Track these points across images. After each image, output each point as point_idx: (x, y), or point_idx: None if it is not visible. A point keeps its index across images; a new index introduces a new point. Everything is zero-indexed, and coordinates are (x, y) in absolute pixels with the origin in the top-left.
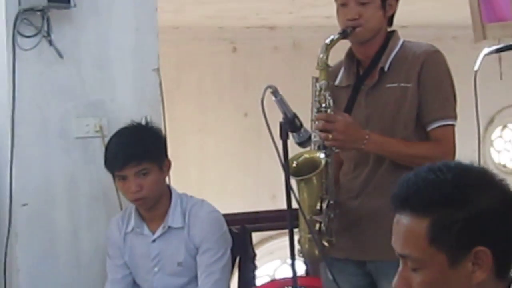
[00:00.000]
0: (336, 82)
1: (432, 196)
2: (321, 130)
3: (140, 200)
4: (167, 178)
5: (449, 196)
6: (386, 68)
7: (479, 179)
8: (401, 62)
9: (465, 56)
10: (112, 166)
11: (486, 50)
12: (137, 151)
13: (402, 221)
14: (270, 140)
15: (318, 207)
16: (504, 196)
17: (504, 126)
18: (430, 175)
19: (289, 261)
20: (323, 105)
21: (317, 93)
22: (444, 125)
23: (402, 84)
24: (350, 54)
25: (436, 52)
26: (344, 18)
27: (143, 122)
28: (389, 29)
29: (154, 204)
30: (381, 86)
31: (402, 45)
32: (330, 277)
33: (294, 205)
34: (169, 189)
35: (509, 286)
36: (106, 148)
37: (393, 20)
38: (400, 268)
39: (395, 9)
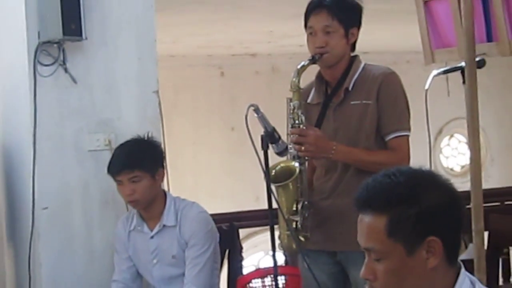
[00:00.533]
0: (308, 100)
1: (388, 196)
2: (295, 143)
3: (133, 202)
4: (166, 184)
5: (402, 195)
6: (350, 88)
7: (427, 180)
8: (362, 83)
9: (417, 77)
10: (111, 172)
11: (435, 72)
12: (130, 161)
13: (365, 219)
14: (253, 150)
15: (294, 208)
16: (450, 193)
17: (451, 136)
18: (385, 179)
19: (271, 253)
20: (296, 121)
21: (291, 111)
22: (399, 136)
23: (364, 101)
24: (319, 76)
25: (392, 73)
26: (313, 46)
27: (145, 137)
28: (352, 54)
29: (148, 206)
30: (346, 103)
31: (363, 68)
32: (306, 266)
33: (274, 205)
34: (164, 193)
35: (459, 272)
36: (110, 159)
37: (355, 46)
38: (366, 260)
39: (357, 37)
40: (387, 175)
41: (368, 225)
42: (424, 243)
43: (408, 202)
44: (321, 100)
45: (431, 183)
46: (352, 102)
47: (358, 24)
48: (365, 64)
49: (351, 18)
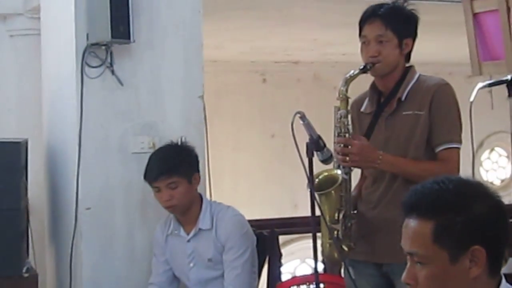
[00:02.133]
0: (362, 109)
1: (435, 202)
2: (339, 153)
3: (171, 207)
4: (208, 189)
5: (450, 202)
6: (403, 98)
7: (476, 189)
8: (416, 93)
9: (459, 89)
10: (148, 178)
11: (481, 84)
12: (167, 167)
13: (411, 224)
14: (292, 158)
15: (336, 217)
16: (497, 204)
17: (492, 149)
18: (434, 186)
19: (307, 260)
20: (343, 130)
21: (338, 120)
22: (450, 148)
23: (416, 112)
24: (373, 86)
25: (446, 85)
26: (366, 55)
27: (178, 142)
28: (407, 65)
29: (185, 211)
30: (398, 113)
31: (418, 78)
32: (353, 276)
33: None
34: (200, 197)
35: (500, 283)
36: (147, 165)
37: (410, 56)
38: (408, 265)
39: (411, 47)
40: (436, 182)
41: (414, 230)
42: (468, 252)
43: (456, 210)
44: (373, 110)
45: (479, 193)
46: (404, 113)
47: (413, 35)
48: (419, 75)
49: (405, 28)
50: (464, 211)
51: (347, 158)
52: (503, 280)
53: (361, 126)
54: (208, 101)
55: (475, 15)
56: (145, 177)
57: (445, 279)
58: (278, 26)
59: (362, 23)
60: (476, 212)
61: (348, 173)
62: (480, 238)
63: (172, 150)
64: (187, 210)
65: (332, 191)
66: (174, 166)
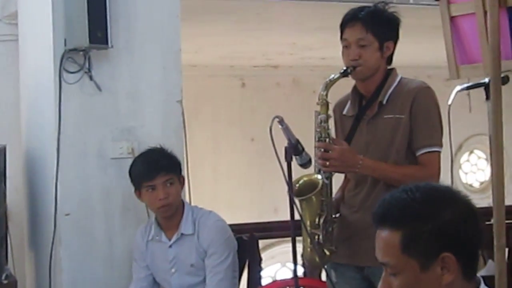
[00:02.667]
0: (344, 112)
1: (402, 213)
2: (319, 158)
3: (165, 206)
4: (187, 193)
5: (416, 212)
6: (384, 102)
7: (444, 196)
8: (397, 97)
9: (437, 92)
10: (142, 177)
11: (459, 87)
12: (166, 164)
13: (381, 234)
14: (273, 162)
15: (316, 222)
16: (466, 209)
17: (471, 152)
18: (402, 195)
19: (288, 264)
20: (323, 134)
21: (318, 125)
22: (430, 152)
23: (397, 116)
24: (355, 89)
25: (427, 88)
26: (347, 58)
27: (161, 146)
28: (389, 67)
29: (173, 213)
30: (379, 117)
31: (399, 81)
32: (334, 279)
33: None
34: (182, 202)
35: (478, 286)
36: (133, 167)
37: (392, 59)
38: (383, 275)
39: (393, 50)
40: (404, 191)
41: (384, 241)
42: (438, 259)
43: (422, 219)
44: (355, 113)
45: (447, 199)
46: (385, 116)
47: (394, 38)
48: (401, 78)
49: (386, 31)
50: (431, 220)
51: (328, 163)
52: (482, 284)
53: (343, 129)
54: (187, 105)
55: (452, 18)
56: (138, 177)
57: (418, 287)
58: (257, 31)
59: (343, 26)
60: (443, 219)
61: (328, 177)
62: (449, 245)
63: (163, 151)
64: (174, 213)
65: (313, 196)
66: (171, 164)
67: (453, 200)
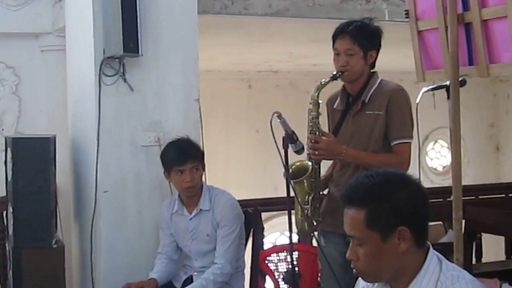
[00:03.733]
0: (335, 106)
1: (365, 194)
2: (310, 148)
3: (191, 188)
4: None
5: (377, 193)
6: (366, 100)
7: (399, 180)
8: (376, 96)
9: (408, 92)
10: (174, 162)
11: (425, 89)
12: (194, 153)
13: (348, 212)
14: (273, 149)
15: (306, 200)
16: (417, 190)
17: (435, 141)
18: (365, 180)
19: (286, 232)
20: (314, 129)
21: (310, 121)
22: (402, 142)
23: (376, 112)
24: (343, 88)
25: (401, 90)
26: (337, 64)
27: (187, 137)
28: (372, 71)
29: (196, 193)
30: (362, 113)
31: (379, 83)
32: (323, 244)
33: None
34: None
35: (428, 251)
36: (165, 152)
37: (374, 64)
38: (350, 245)
39: (375, 58)
40: (366, 176)
41: (351, 217)
42: (395, 232)
43: (382, 199)
44: (343, 108)
45: (401, 183)
46: (367, 112)
47: (377, 47)
48: (381, 80)
49: (370, 42)
50: (388, 200)
51: (316, 152)
52: (431, 248)
53: (333, 120)
54: (203, 103)
55: (419, 32)
56: (170, 161)
57: (379, 255)
58: (260, 42)
59: (335, 37)
60: (399, 199)
61: (317, 163)
62: (404, 220)
63: (190, 141)
64: (197, 192)
65: (304, 179)
66: (197, 153)
67: (407, 183)
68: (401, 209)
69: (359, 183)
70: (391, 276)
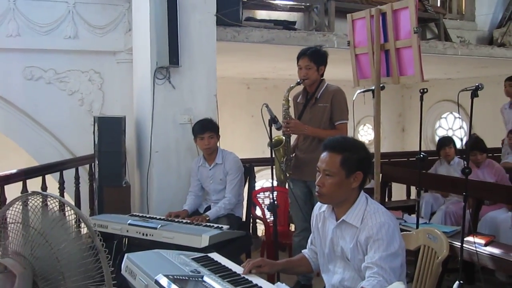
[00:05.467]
0: (298, 100)
1: (343, 146)
2: (284, 127)
3: (208, 149)
4: (220, 143)
5: (349, 146)
6: (318, 97)
7: (362, 145)
8: (324, 94)
9: (348, 93)
10: (198, 132)
11: (359, 91)
12: (210, 127)
13: (328, 154)
14: (263, 127)
15: (282, 160)
16: (368, 151)
17: (364, 124)
18: (342, 138)
19: (270, 180)
20: (286, 116)
21: (284, 110)
22: (342, 123)
23: (325, 104)
24: (304, 89)
25: (340, 90)
26: (300, 75)
27: (210, 118)
28: (321, 78)
29: (211, 152)
30: (316, 105)
31: (326, 86)
32: (291, 187)
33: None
34: (217, 147)
35: (360, 192)
36: (194, 126)
37: (323, 75)
38: (320, 176)
39: (324, 70)
40: (342, 137)
41: (330, 157)
42: (355, 174)
43: (352, 151)
44: (304, 101)
45: (363, 147)
46: (319, 104)
47: (325, 63)
48: (327, 84)
49: (321, 60)
50: (356, 152)
51: (288, 129)
52: (362, 190)
53: (297, 110)
54: (219, 98)
55: (356, 55)
56: (196, 132)
57: (340, 186)
58: (256, 60)
59: (298, 57)
60: (361, 154)
61: (288, 137)
62: (362, 168)
63: (210, 120)
64: (212, 152)
65: (280, 148)
66: (213, 127)
67: (365, 148)
68: (362, 160)
69: (338, 139)
70: (338, 203)
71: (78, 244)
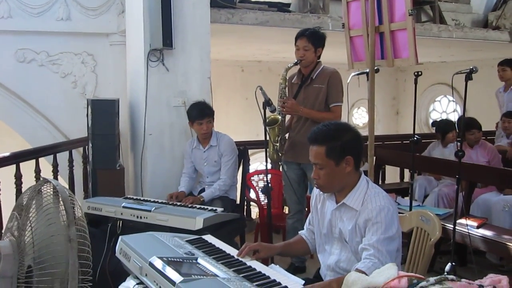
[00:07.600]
0: (293, 81)
1: (324, 136)
2: (280, 106)
3: (206, 133)
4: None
5: (332, 135)
6: (313, 77)
7: (345, 128)
8: (320, 75)
9: (343, 76)
10: (197, 117)
11: (353, 73)
12: (209, 112)
13: (314, 148)
14: (257, 109)
15: (276, 140)
16: (356, 134)
17: (359, 108)
18: (323, 128)
19: (264, 162)
20: (282, 95)
21: (280, 90)
22: (336, 105)
23: (320, 85)
24: (299, 70)
25: (336, 72)
26: (297, 56)
27: (204, 100)
28: (318, 60)
29: (208, 136)
30: (311, 85)
31: (322, 68)
32: (285, 169)
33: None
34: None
35: (360, 175)
36: (191, 110)
37: (320, 57)
38: (314, 169)
39: (321, 52)
40: (324, 125)
41: (315, 151)
42: (344, 160)
43: (336, 139)
44: (299, 82)
45: (347, 129)
46: (314, 85)
47: (323, 46)
48: (323, 66)
49: (319, 42)
50: (340, 139)
51: (284, 109)
52: (363, 174)
53: (292, 90)
54: (213, 80)
55: (351, 37)
56: (194, 116)
57: (333, 175)
58: (249, 42)
59: (296, 38)
60: (346, 139)
61: (284, 117)
62: (350, 152)
63: (206, 104)
64: (208, 136)
65: (275, 127)
66: (211, 112)
67: (350, 129)
68: (348, 145)
69: (320, 130)
70: (338, 189)
71: (64, 234)
